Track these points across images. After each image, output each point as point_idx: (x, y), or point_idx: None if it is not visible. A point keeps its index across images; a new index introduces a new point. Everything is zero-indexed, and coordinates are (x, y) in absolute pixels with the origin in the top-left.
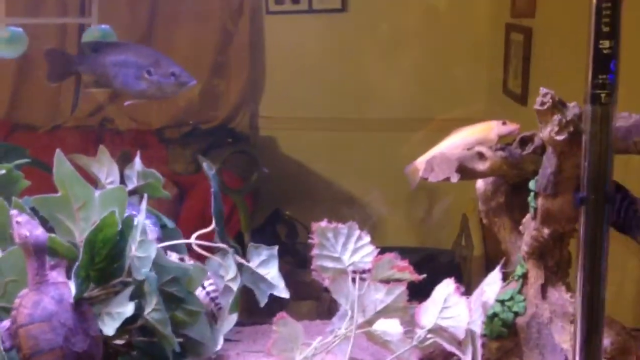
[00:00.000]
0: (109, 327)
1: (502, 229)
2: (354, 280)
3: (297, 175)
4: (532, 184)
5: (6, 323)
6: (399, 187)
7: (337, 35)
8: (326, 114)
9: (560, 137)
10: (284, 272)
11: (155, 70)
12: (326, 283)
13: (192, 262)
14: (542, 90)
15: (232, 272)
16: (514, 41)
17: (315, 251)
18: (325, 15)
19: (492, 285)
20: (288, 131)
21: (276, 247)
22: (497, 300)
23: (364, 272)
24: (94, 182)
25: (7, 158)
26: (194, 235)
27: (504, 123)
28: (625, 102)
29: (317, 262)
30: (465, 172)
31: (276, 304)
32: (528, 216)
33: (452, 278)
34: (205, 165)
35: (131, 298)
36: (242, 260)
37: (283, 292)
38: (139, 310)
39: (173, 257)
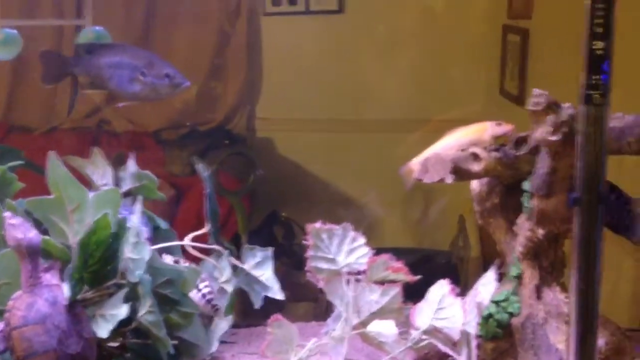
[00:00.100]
0: (103, 330)
1: (497, 230)
2: (348, 281)
3: (294, 176)
4: (526, 185)
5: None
6: (396, 188)
7: (334, 37)
8: (323, 115)
9: (554, 138)
10: (281, 273)
11: (149, 71)
12: (321, 284)
13: (186, 264)
14: (536, 91)
15: (227, 273)
16: (510, 42)
17: (309, 252)
18: (323, 17)
19: (487, 286)
20: (285, 132)
21: (271, 249)
22: (492, 301)
23: (358, 273)
24: (88, 184)
25: (1, 160)
26: (188, 237)
27: (498, 124)
28: (624, 102)
29: (312, 264)
30: (460, 173)
31: (273, 306)
32: (522, 217)
33: (450, 279)
34: (199, 166)
35: (125, 300)
36: (237, 262)
37: (278, 294)
38: (133, 312)
39: (168, 259)
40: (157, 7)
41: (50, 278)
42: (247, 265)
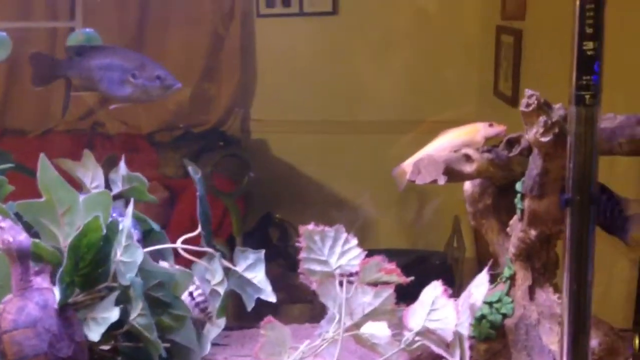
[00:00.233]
0: (94, 333)
1: (490, 231)
2: (341, 283)
3: (288, 178)
4: (518, 186)
5: None
6: (391, 189)
7: (328, 38)
8: (318, 116)
9: (545, 139)
10: (276, 275)
11: (140, 73)
12: (314, 286)
13: (176, 267)
14: (527, 91)
15: (219, 276)
16: (504, 43)
17: (302, 254)
18: (316, 18)
19: (479, 287)
20: (279, 134)
21: (263, 251)
22: (485, 302)
23: (351, 275)
24: (79, 186)
25: None
26: (180, 239)
27: (490, 125)
28: (621, 103)
29: (305, 266)
30: (452, 174)
31: (269, 308)
32: (515, 218)
33: (445, 280)
34: (190, 168)
35: (116, 303)
36: (229, 264)
37: (270, 296)
38: (124, 315)
39: (164, 266)
40: (151, 9)
41: (41, 281)
42: (239, 268)
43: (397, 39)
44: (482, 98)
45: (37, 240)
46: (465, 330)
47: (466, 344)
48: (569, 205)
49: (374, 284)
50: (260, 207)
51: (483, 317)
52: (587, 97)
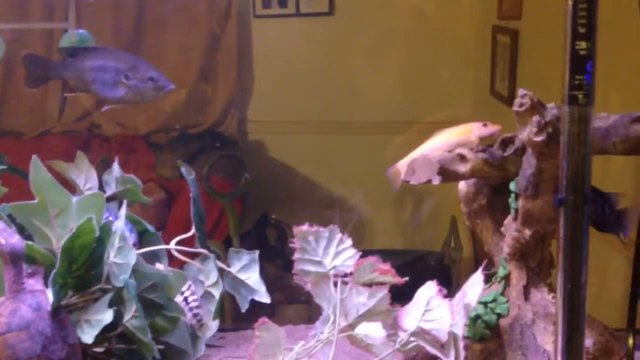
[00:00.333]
0: (88, 335)
1: (485, 231)
2: (336, 284)
3: (286, 178)
4: (512, 185)
5: None
6: (388, 189)
7: (324, 39)
8: (315, 117)
9: (538, 139)
10: (274, 275)
11: (133, 74)
12: (308, 287)
13: (170, 269)
14: (521, 91)
15: (213, 277)
16: (500, 43)
17: (296, 255)
18: (313, 19)
19: (474, 287)
20: (276, 135)
21: (257, 252)
22: (480, 302)
23: (346, 275)
24: (74, 188)
25: None
26: (174, 240)
27: (484, 125)
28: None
29: (299, 266)
30: (447, 174)
31: (266, 309)
32: (509, 217)
33: (442, 280)
34: (183, 169)
35: (110, 305)
36: (223, 266)
37: (264, 297)
38: (118, 317)
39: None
40: (148, 10)
41: (34, 284)
42: (233, 269)
43: (394, 39)
44: (479, 98)
45: (30, 242)
46: (460, 331)
47: (461, 344)
48: (563, 204)
49: (369, 285)
50: (257, 208)
51: (478, 317)
52: (580, 96)
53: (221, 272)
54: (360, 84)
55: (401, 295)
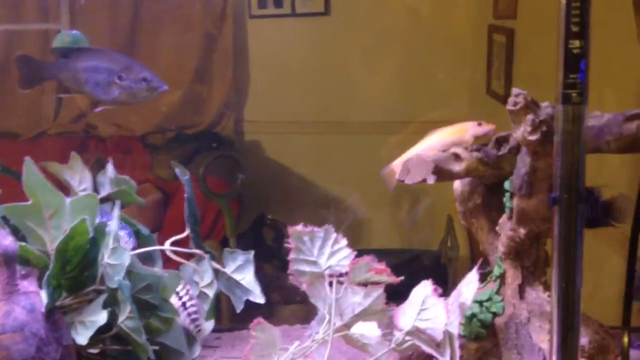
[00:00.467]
0: (82, 336)
1: (480, 230)
2: (331, 283)
3: (282, 179)
4: (507, 184)
5: None
6: (384, 189)
7: (320, 39)
8: (311, 117)
9: (533, 137)
10: (271, 276)
11: (127, 75)
12: (303, 287)
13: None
14: (515, 90)
15: (208, 278)
16: (496, 42)
17: (291, 255)
18: (309, 19)
19: (469, 286)
20: (273, 135)
21: (252, 252)
22: (475, 301)
23: (341, 275)
24: (67, 189)
25: None
26: (168, 241)
27: (479, 124)
28: (609, 101)
29: (294, 266)
30: (442, 173)
31: (263, 309)
32: (504, 216)
33: (439, 279)
34: (177, 170)
35: (104, 306)
36: (218, 266)
37: (258, 298)
38: (112, 318)
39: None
40: (144, 11)
41: (27, 285)
42: (228, 269)
43: (389, 39)
44: (475, 97)
45: (23, 244)
46: (456, 329)
47: (456, 343)
48: (557, 203)
49: (364, 284)
50: (254, 209)
51: (473, 315)
52: (574, 95)
53: (216, 272)
54: (356, 84)
55: (398, 295)
